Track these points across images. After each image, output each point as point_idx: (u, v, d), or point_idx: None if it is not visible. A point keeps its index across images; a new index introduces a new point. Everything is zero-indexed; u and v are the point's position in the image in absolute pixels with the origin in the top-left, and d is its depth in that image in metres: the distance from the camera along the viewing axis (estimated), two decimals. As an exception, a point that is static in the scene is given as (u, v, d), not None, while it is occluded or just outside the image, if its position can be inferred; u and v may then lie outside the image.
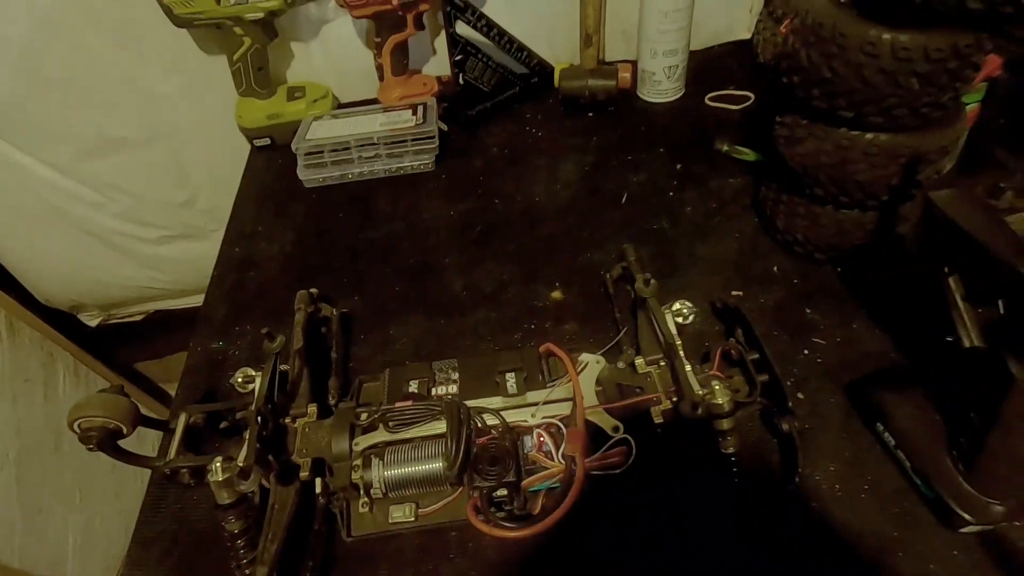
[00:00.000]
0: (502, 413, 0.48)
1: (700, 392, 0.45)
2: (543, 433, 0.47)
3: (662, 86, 0.86)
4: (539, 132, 0.85)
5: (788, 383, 0.49)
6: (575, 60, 0.93)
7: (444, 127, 0.82)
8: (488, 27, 0.82)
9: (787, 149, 0.57)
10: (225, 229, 0.77)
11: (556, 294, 0.63)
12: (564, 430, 0.47)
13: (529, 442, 0.47)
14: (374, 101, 0.89)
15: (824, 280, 0.60)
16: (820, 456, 0.47)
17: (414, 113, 0.80)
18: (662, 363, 0.50)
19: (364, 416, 0.48)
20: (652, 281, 0.52)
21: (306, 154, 0.78)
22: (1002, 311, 0.37)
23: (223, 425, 0.50)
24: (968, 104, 0.55)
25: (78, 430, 0.43)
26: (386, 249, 0.71)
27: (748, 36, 0.94)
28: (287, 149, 0.80)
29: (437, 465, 0.45)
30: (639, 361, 0.51)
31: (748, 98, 0.84)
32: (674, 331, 0.49)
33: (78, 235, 1.04)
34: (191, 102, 0.92)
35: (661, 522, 0.45)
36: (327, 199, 0.79)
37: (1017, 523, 0.41)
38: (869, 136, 0.51)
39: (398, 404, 0.49)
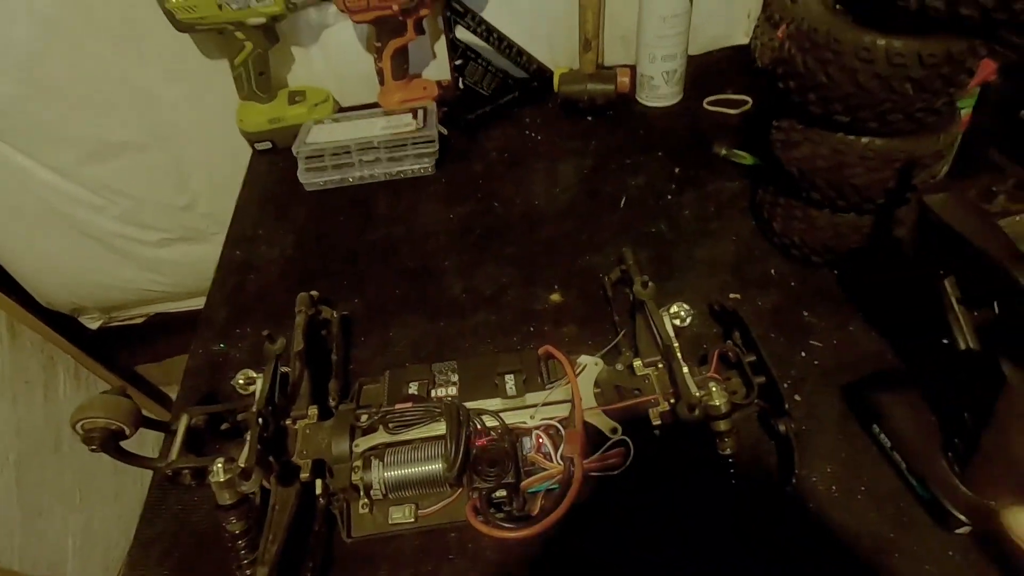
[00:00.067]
0: (501, 415, 0.48)
1: (698, 394, 0.45)
2: (542, 434, 0.47)
3: (661, 90, 0.87)
4: (538, 136, 0.86)
5: (785, 385, 0.49)
6: (574, 65, 0.93)
7: (444, 131, 0.83)
8: (488, 32, 0.83)
9: (783, 153, 0.57)
10: (226, 232, 0.77)
11: (555, 296, 0.63)
12: (563, 431, 0.47)
13: (528, 443, 0.48)
14: (374, 105, 0.90)
15: (821, 283, 0.61)
16: (817, 457, 0.47)
17: (414, 117, 0.81)
18: (660, 365, 0.50)
19: (364, 418, 0.48)
20: (650, 284, 0.53)
21: (307, 158, 0.79)
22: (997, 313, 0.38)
23: (224, 427, 0.50)
24: (962, 108, 0.56)
25: (81, 431, 0.43)
26: (386, 252, 0.71)
27: (746, 41, 0.95)
28: (288, 153, 0.80)
29: (437, 466, 0.45)
30: (637, 363, 0.51)
31: (746, 102, 0.85)
32: (672, 333, 0.50)
33: (79, 238, 1.04)
34: (192, 106, 0.93)
35: (659, 523, 0.45)
36: (328, 202, 0.79)
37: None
38: (865, 140, 0.51)
39: (398, 406, 0.49)
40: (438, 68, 0.93)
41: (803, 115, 0.54)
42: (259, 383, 0.50)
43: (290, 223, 0.77)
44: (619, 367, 0.52)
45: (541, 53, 0.90)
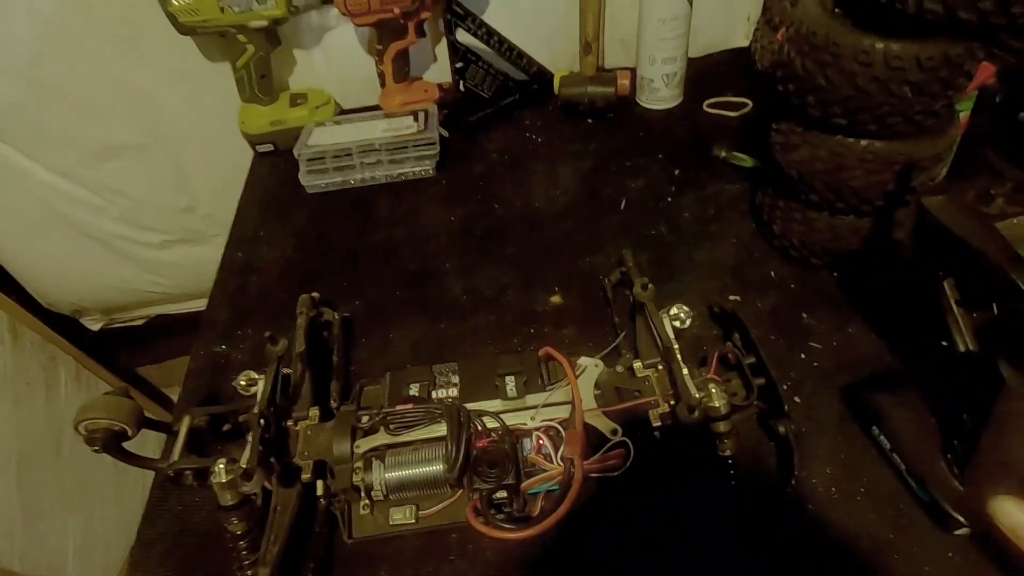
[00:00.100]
0: (502, 416, 0.48)
1: (697, 395, 0.45)
2: (542, 436, 0.48)
3: (661, 93, 0.87)
4: (539, 138, 0.86)
5: (784, 387, 0.49)
6: (574, 67, 0.94)
7: (445, 133, 0.83)
8: (488, 35, 0.83)
9: (783, 156, 0.58)
10: (227, 234, 0.78)
11: (555, 298, 0.64)
12: (563, 433, 0.47)
13: (528, 445, 0.48)
14: (376, 108, 0.90)
15: (820, 285, 0.61)
16: (816, 459, 0.48)
17: (415, 119, 0.81)
18: (660, 367, 0.50)
19: (365, 419, 0.48)
20: (650, 286, 0.53)
21: (308, 160, 0.79)
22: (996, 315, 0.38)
23: (226, 428, 0.50)
24: (961, 111, 0.56)
25: (84, 432, 0.43)
26: (387, 254, 0.72)
27: (746, 44, 0.95)
28: (289, 155, 0.80)
29: (437, 467, 0.45)
30: (637, 365, 0.51)
31: (746, 105, 0.85)
32: (672, 335, 0.50)
33: (80, 239, 1.05)
34: (193, 108, 0.93)
35: (659, 524, 0.46)
36: (329, 204, 0.79)
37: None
38: (863, 143, 0.52)
39: (399, 407, 0.49)
40: (439, 71, 0.93)
41: (802, 118, 0.55)
42: (261, 384, 0.50)
43: (291, 225, 0.77)
44: (619, 369, 0.52)
45: (541, 56, 0.90)
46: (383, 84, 0.88)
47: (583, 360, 0.52)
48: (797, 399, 0.52)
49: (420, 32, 0.81)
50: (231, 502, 0.42)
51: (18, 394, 1.00)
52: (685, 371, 0.47)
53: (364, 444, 0.47)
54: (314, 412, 0.50)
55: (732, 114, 0.85)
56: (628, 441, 0.47)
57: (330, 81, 0.93)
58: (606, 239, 0.69)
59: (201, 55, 0.87)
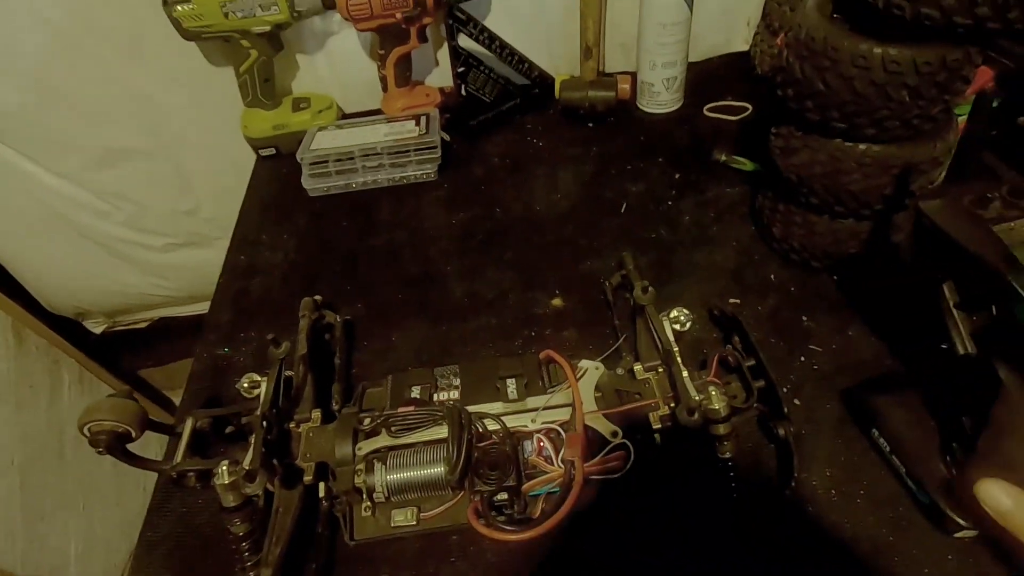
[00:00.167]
0: (503, 418, 0.48)
1: (697, 398, 0.45)
2: (543, 438, 0.48)
3: (661, 97, 0.87)
4: (540, 142, 0.87)
5: (784, 389, 0.49)
6: (575, 72, 0.94)
7: (446, 137, 0.84)
8: (490, 40, 0.84)
9: (782, 159, 0.58)
10: (230, 237, 0.78)
11: (556, 301, 0.64)
12: (564, 435, 0.47)
13: (529, 447, 0.48)
14: (378, 112, 0.91)
15: (820, 288, 0.61)
16: (816, 461, 0.48)
17: (417, 123, 0.82)
18: (660, 369, 0.51)
19: (367, 421, 0.48)
20: (650, 289, 0.53)
21: (311, 164, 0.80)
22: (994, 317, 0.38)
23: (229, 430, 0.51)
24: (959, 115, 0.56)
25: (88, 433, 0.44)
26: (389, 257, 0.72)
27: (746, 48, 0.95)
28: (292, 159, 0.81)
29: (439, 470, 0.46)
30: (638, 367, 0.52)
31: (746, 109, 0.85)
32: (672, 338, 0.50)
33: (84, 243, 1.05)
34: (197, 112, 0.94)
35: (659, 525, 0.46)
36: (331, 208, 0.80)
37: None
38: (862, 147, 0.52)
39: (400, 409, 0.50)
40: (441, 75, 0.94)
41: (801, 122, 0.55)
42: (263, 386, 0.50)
43: (294, 228, 0.78)
44: (620, 371, 0.52)
45: (542, 60, 0.91)
46: (385, 88, 0.88)
47: (584, 363, 0.52)
48: (797, 401, 0.52)
49: (422, 37, 0.82)
50: (234, 503, 0.42)
51: (21, 397, 1.00)
52: (685, 374, 0.47)
53: (366, 446, 0.47)
54: (316, 414, 0.50)
55: (732, 118, 0.85)
56: (628, 443, 0.47)
57: (333, 85, 0.93)
58: (607, 242, 0.69)
59: (204, 60, 0.88)
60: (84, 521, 1.06)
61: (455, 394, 0.52)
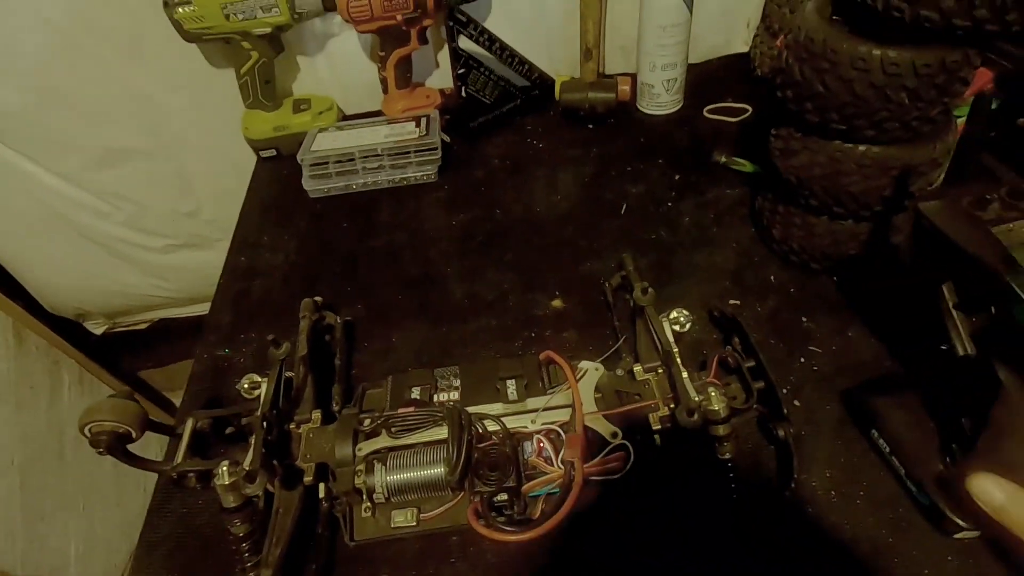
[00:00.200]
0: (503, 419, 0.48)
1: (697, 399, 0.45)
2: (543, 439, 0.48)
3: (661, 99, 0.88)
4: (540, 143, 0.87)
5: (784, 390, 0.49)
6: (575, 73, 0.94)
7: (447, 138, 0.84)
8: (490, 41, 0.84)
9: (782, 161, 0.58)
10: (230, 238, 0.78)
11: (556, 302, 0.64)
12: (563, 436, 0.47)
13: (529, 448, 0.48)
14: (378, 113, 0.91)
15: (820, 289, 0.61)
16: (816, 462, 0.48)
17: (417, 125, 0.82)
18: (660, 370, 0.51)
19: (367, 422, 0.48)
20: (650, 290, 0.53)
21: (311, 165, 0.80)
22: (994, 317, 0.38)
23: (229, 430, 0.51)
24: (958, 117, 0.56)
25: (88, 434, 0.44)
26: (389, 258, 0.72)
27: (745, 50, 0.96)
28: (292, 160, 0.81)
29: (439, 470, 0.46)
30: (638, 368, 0.52)
31: (746, 110, 0.85)
32: (672, 339, 0.50)
33: (84, 243, 1.05)
34: (197, 113, 0.94)
35: (659, 526, 0.46)
36: (331, 209, 0.80)
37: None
38: (861, 149, 0.52)
39: (400, 410, 0.50)
40: (441, 77, 0.94)
41: (801, 123, 0.55)
42: (264, 387, 0.50)
43: (294, 229, 0.78)
44: (619, 372, 0.52)
45: (542, 62, 0.91)
46: (385, 90, 0.88)
47: (583, 364, 0.52)
48: (797, 403, 0.52)
49: (422, 39, 0.82)
50: (234, 504, 0.42)
51: (21, 398, 1.00)
52: (685, 375, 0.47)
53: (366, 447, 0.47)
54: (316, 415, 0.50)
55: (732, 120, 0.85)
56: (628, 444, 0.47)
57: (333, 87, 0.93)
58: (606, 244, 0.70)
59: (205, 61, 0.88)
60: (84, 522, 1.06)
61: (455, 395, 0.52)
